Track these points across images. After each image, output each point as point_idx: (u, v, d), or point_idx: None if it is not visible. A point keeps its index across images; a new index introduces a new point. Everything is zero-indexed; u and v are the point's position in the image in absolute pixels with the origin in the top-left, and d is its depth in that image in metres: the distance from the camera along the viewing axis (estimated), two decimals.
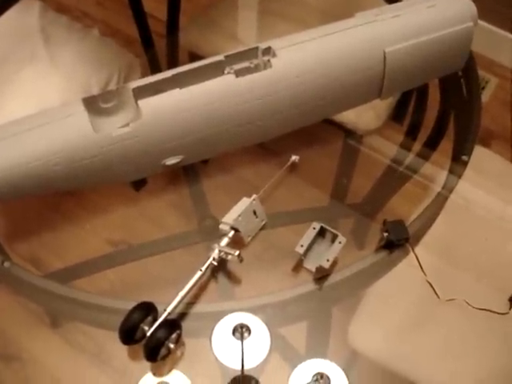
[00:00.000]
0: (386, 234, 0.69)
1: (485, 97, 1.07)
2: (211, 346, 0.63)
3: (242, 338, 0.63)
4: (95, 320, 0.69)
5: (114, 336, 0.61)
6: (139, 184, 0.80)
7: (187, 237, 0.78)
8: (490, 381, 0.66)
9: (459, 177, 0.76)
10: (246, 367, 0.61)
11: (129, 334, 0.60)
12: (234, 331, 0.64)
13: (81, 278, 0.73)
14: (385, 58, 0.67)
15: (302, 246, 0.66)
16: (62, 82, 0.90)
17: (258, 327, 0.64)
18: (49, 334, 0.70)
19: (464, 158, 0.77)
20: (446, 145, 0.83)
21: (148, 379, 0.61)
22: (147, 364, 0.62)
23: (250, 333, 0.64)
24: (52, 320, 0.73)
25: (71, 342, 0.68)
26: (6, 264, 0.69)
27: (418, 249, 0.70)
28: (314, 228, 0.67)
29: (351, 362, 0.67)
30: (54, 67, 0.91)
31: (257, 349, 0.63)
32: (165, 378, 0.61)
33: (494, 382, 0.66)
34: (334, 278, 0.68)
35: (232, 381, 0.60)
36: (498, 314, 0.67)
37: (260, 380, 0.60)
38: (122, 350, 0.63)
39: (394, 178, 0.82)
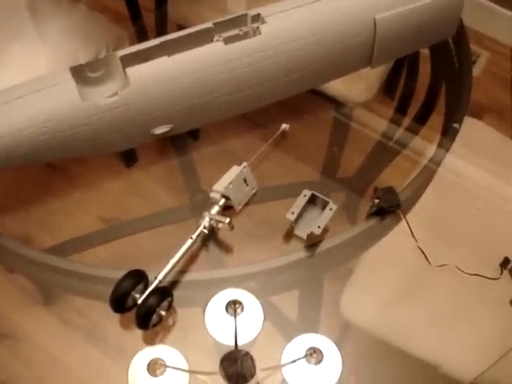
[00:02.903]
0: (377, 201, 0.68)
1: (476, 71, 1.06)
2: (205, 323, 0.62)
3: (235, 315, 0.63)
4: (88, 292, 0.69)
5: (108, 312, 0.60)
6: (130, 161, 0.79)
7: (178, 212, 0.78)
8: (482, 347, 0.66)
9: (451, 143, 0.76)
10: (239, 343, 0.61)
11: (120, 301, 0.60)
12: (227, 308, 0.63)
13: (72, 254, 0.72)
14: (375, 24, 0.67)
15: (292, 213, 0.65)
16: (50, 57, 0.89)
17: (251, 303, 0.64)
18: (42, 311, 0.70)
19: (455, 125, 0.77)
20: (436, 120, 0.82)
21: (142, 355, 0.60)
22: (141, 340, 0.62)
23: (242, 309, 0.63)
24: (45, 297, 0.73)
25: (65, 319, 0.67)
26: None
27: (409, 219, 0.70)
28: (305, 195, 0.67)
29: (344, 334, 0.67)
30: (41, 43, 0.91)
31: (250, 325, 0.62)
32: (159, 354, 0.61)
33: (486, 347, 0.66)
34: (325, 245, 0.67)
35: (225, 356, 0.60)
36: (490, 279, 0.67)
37: (253, 355, 0.60)
38: (115, 326, 0.63)
39: (384, 152, 0.82)
